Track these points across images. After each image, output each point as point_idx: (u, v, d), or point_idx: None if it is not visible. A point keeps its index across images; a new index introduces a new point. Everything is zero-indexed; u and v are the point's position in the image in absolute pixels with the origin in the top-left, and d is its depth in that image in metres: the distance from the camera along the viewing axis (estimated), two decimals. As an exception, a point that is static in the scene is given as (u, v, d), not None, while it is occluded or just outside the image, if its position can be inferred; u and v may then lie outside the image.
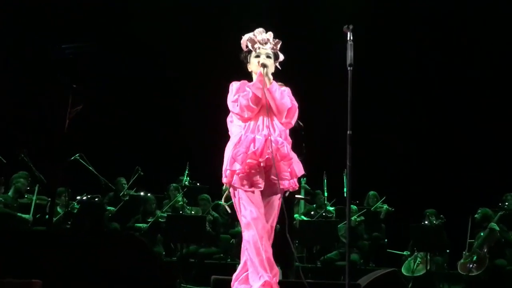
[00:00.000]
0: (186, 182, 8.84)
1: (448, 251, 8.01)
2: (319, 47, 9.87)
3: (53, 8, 9.46)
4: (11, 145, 8.01)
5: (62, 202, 7.92)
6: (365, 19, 9.24)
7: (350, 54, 3.39)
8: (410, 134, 10.17)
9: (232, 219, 8.18)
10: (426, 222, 8.01)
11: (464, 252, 7.68)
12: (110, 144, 9.97)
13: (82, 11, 9.64)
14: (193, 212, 8.35)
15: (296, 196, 7.89)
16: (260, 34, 3.81)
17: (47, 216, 7.63)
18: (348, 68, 3.40)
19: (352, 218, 8.15)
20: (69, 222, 7.83)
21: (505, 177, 8.78)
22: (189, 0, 10.10)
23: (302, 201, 8.91)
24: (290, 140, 3.81)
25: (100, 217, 7.89)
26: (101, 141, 9.77)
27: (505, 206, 7.88)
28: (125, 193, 8.93)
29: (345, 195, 8.61)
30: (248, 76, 3.88)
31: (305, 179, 9.01)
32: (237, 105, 3.66)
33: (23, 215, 7.42)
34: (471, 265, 7.51)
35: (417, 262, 7.97)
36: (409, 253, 8.31)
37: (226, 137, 3.86)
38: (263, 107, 3.68)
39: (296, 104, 3.77)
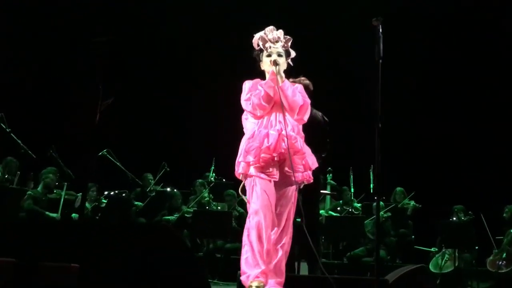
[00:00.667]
0: (212, 178, 8.87)
1: (476, 247, 7.90)
2: (346, 40, 9.81)
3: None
4: (41, 140, 8.12)
5: (91, 197, 8.03)
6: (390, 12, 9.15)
7: (379, 47, 3.35)
8: (438, 130, 10.04)
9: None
10: (454, 219, 7.91)
11: (494, 250, 7.59)
12: (137, 139, 10.06)
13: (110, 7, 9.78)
14: (219, 207, 8.37)
15: (322, 191, 7.88)
16: (270, 32, 3.85)
17: (73, 214, 7.74)
18: (378, 61, 3.37)
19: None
20: (97, 217, 7.93)
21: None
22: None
23: (328, 197, 8.86)
24: (302, 134, 3.86)
25: (127, 212, 7.97)
26: (128, 136, 9.87)
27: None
28: (152, 188, 9.00)
29: (371, 191, 8.61)
30: (260, 75, 3.94)
31: (331, 175, 8.97)
32: (250, 104, 3.73)
33: (51, 214, 7.53)
34: (500, 262, 7.41)
35: (445, 258, 7.88)
36: (436, 249, 8.23)
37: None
38: (276, 104, 3.75)
39: (308, 101, 3.85)
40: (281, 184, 3.70)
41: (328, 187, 8.77)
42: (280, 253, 3.62)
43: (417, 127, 10.05)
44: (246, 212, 8.96)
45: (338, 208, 8.93)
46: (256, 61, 3.95)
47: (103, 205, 8.05)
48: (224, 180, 9.10)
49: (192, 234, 8.17)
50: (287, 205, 3.71)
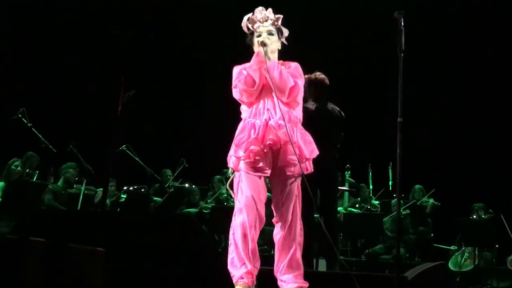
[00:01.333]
0: (230, 174, 8.88)
1: (497, 246, 7.82)
2: (365, 34, 9.76)
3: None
4: (61, 135, 8.19)
5: (110, 192, 8.08)
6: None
7: (401, 40, 3.31)
8: (458, 126, 9.96)
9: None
10: (475, 217, 7.84)
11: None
12: (156, 135, 10.11)
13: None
14: (237, 203, 8.37)
15: (340, 188, 7.85)
16: (260, 12, 3.66)
17: (92, 208, 7.80)
18: (399, 55, 3.33)
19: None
20: (115, 212, 7.98)
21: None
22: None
23: (346, 194, 8.83)
24: (297, 120, 3.57)
25: (146, 207, 8.01)
26: (147, 132, 9.92)
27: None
28: (170, 184, 9.05)
29: (390, 188, 8.56)
30: None
31: (349, 172, 8.94)
32: (237, 91, 3.54)
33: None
34: (521, 261, 7.33)
35: (464, 257, 7.82)
36: (456, 247, 8.16)
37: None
38: (265, 89, 3.53)
39: (302, 81, 3.60)
40: (278, 178, 3.52)
41: (347, 184, 8.74)
42: (294, 247, 3.49)
43: (437, 124, 9.97)
44: (266, 208, 8.96)
45: (357, 205, 8.90)
46: (250, 46, 3.74)
47: (122, 199, 8.10)
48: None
49: (210, 230, 8.19)
50: (291, 199, 3.50)
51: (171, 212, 8.49)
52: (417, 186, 8.90)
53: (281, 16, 3.68)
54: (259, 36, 3.62)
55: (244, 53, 3.71)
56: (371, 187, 8.71)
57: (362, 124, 9.62)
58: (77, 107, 9.69)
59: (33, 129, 7.58)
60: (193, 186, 8.85)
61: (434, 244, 8.51)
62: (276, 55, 3.68)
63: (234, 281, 3.38)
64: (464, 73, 10.07)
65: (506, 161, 9.43)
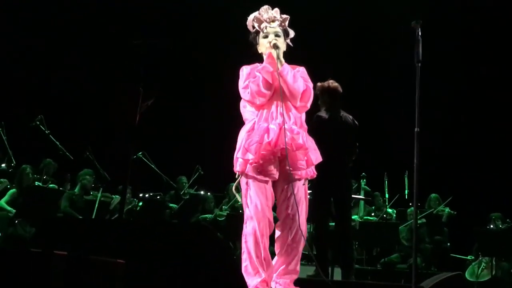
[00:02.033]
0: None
1: (515, 256, 7.74)
2: (383, 43, 9.74)
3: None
4: (78, 141, 8.27)
5: (126, 199, 8.11)
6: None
7: (418, 50, 3.30)
8: (474, 135, 9.88)
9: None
10: (492, 226, 7.77)
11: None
12: (171, 142, 10.15)
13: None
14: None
15: (354, 196, 7.83)
16: (266, 12, 3.56)
17: (108, 215, 7.85)
18: (417, 64, 3.32)
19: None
20: (131, 219, 8.02)
21: None
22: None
23: (362, 203, 8.80)
24: (306, 127, 3.56)
25: (161, 214, 8.04)
26: (163, 139, 9.97)
27: None
28: (186, 191, 9.08)
29: (406, 196, 8.51)
30: (258, 59, 3.66)
31: (365, 180, 8.90)
32: (248, 92, 3.45)
33: None
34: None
35: (481, 267, 7.74)
36: (473, 257, 8.08)
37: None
38: (276, 92, 3.46)
39: (311, 85, 3.55)
40: (285, 183, 3.47)
41: (362, 192, 8.70)
42: (296, 253, 3.49)
43: (454, 132, 9.90)
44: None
45: (372, 214, 8.85)
46: (253, 45, 3.67)
47: (138, 208, 8.14)
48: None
49: (225, 237, 8.20)
50: (299, 202, 3.45)
51: (186, 219, 8.52)
52: (433, 195, 8.83)
53: (288, 17, 3.60)
54: (266, 37, 3.57)
55: (244, 53, 3.68)
56: (386, 195, 8.67)
57: (379, 132, 9.60)
58: (94, 115, 9.77)
59: (50, 136, 7.67)
60: (208, 193, 8.87)
61: (451, 254, 8.44)
62: (282, 59, 3.60)
63: None
64: (479, 77, 9.99)
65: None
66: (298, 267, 3.54)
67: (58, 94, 9.68)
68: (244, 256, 3.41)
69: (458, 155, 9.80)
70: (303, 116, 3.60)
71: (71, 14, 9.87)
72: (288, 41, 3.64)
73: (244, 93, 3.49)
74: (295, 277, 3.53)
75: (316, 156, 3.55)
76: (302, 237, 3.48)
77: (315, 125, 4.93)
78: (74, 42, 9.83)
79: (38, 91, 9.53)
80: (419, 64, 3.32)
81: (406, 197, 8.48)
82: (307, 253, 7.09)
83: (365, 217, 8.64)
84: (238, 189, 3.63)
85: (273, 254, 3.56)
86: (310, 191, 4.17)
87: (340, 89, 5.47)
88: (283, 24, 3.59)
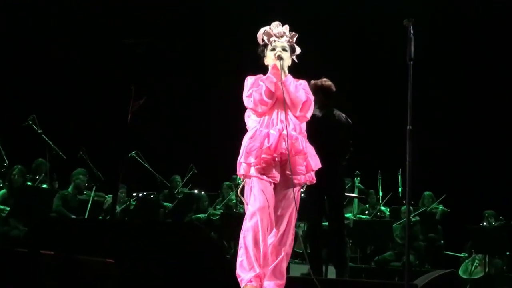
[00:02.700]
0: (239, 181, 8.87)
1: (508, 253, 7.76)
2: (375, 41, 9.75)
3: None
4: (71, 141, 8.24)
5: (120, 198, 8.09)
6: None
7: (410, 48, 3.31)
8: (467, 133, 9.91)
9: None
10: (485, 224, 7.79)
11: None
12: (165, 141, 10.13)
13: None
14: (246, 210, 8.37)
15: (348, 194, 7.83)
16: (276, 27, 3.77)
17: (101, 216, 7.82)
18: (409, 63, 3.33)
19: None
20: (126, 218, 7.99)
21: None
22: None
23: (356, 201, 8.80)
24: (305, 134, 3.75)
25: (155, 213, 8.02)
26: (156, 138, 9.95)
27: None
28: (180, 190, 9.07)
29: (400, 194, 8.53)
30: (265, 71, 3.81)
31: (359, 178, 8.91)
32: (251, 100, 3.64)
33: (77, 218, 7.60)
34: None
35: (475, 264, 7.77)
36: (466, 255, 8.11)
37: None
38: (277, 101, 3.66)
39: (312, 98, 3.75)
40: (283, 186, 3.61)
41: (356, 190, 8.71)
42: (282, 255, 3.56)
43: (447, 130, 9.92)
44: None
45: (366, 212, 8.86)
46: (261, 57, 3.86)
47: (132, 207, 8.12)
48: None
49: (219, 237, 8.19)
50: (289, 207, 3.60)
51: (180, 218, 8.50)
52: (427, 192, 8.85)
53: (297, 34, 3.81)
54: (273, 50, 3.75)
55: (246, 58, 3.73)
56: (380, 193, 8.68)
57: (372, 130, 9.61)
58: (87, 114, 9.74)
59: (43, 135, 7.63)
60: (202, 192, 8.86)
61: (444, 251, 8.46)
62: (286, 71, 3.77)
63: (242, 285, 3.41)
64: (474, 76, 10.02)
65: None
66: (284, 272, 3.59)
67: (50, 93, 9.63)
68: (241, 252, 3.48)
69: (451, 153, 9.83)
70: (303, 124, 3.76)
71: (64, 11, 9.83)
72: (294, 57, 3.84)
73: (248, 102, 3.68)
74: (280, 282, 3.54)
75: (315, 162, 3.70)
76: (290, 240, 3.59)
77: (308, 124, 4.93)
78: (67, 40, 9.79)
79: (30, 90, 9.47)
80: (411, 62, 3.34)
81: (400, 195, 8.49)
82: (301, 251, 7.12)
83: (359, 215, 8.65)
84: (243, 193, 3.73)
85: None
86: (304, 189, 4.19)
87: (333, 87, 5.46)
88: (290, 40, 3.80)
